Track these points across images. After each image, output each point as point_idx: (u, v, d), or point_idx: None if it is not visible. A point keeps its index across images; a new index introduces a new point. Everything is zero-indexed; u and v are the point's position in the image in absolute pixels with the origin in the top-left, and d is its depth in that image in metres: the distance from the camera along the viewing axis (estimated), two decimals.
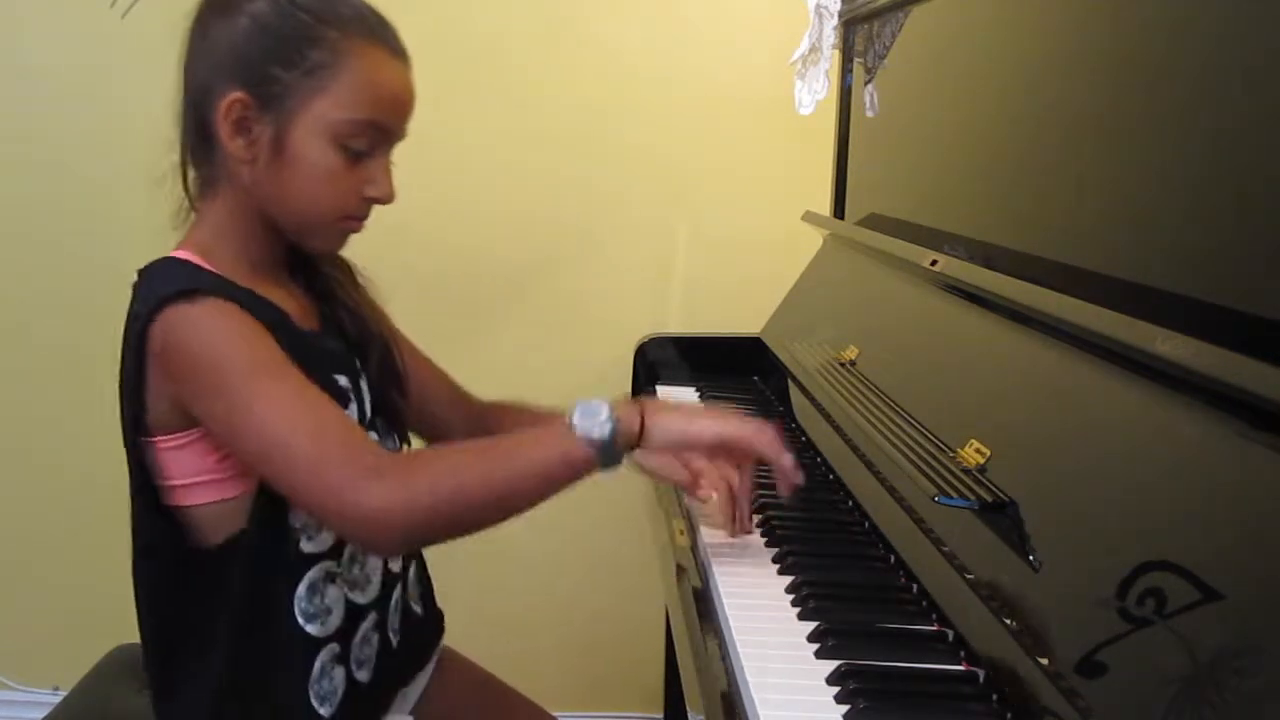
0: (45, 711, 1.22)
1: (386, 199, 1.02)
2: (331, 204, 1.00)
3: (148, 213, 2.05)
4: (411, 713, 1.15)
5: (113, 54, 1.95)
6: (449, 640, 1.25)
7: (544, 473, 0.92)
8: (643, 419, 0.95)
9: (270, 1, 0.97)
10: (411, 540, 0.98)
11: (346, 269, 1.14)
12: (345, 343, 1.08)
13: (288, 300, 1.03)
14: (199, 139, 1.01)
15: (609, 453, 0.92)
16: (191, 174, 1.04)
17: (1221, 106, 0.81)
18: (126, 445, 0.99)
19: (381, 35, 1.00)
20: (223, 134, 0.97)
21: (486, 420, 1.23)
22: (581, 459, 0.92)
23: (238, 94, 0.96)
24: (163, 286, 0.93)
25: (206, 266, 0.98)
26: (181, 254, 1.00)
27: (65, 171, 1.99)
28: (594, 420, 0.92)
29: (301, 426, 0.89)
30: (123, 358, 0.97)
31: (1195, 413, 0.74)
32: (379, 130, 1.00)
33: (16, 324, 2.03)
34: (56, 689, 2.06)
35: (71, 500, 2.06)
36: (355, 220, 1.03)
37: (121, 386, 0.97)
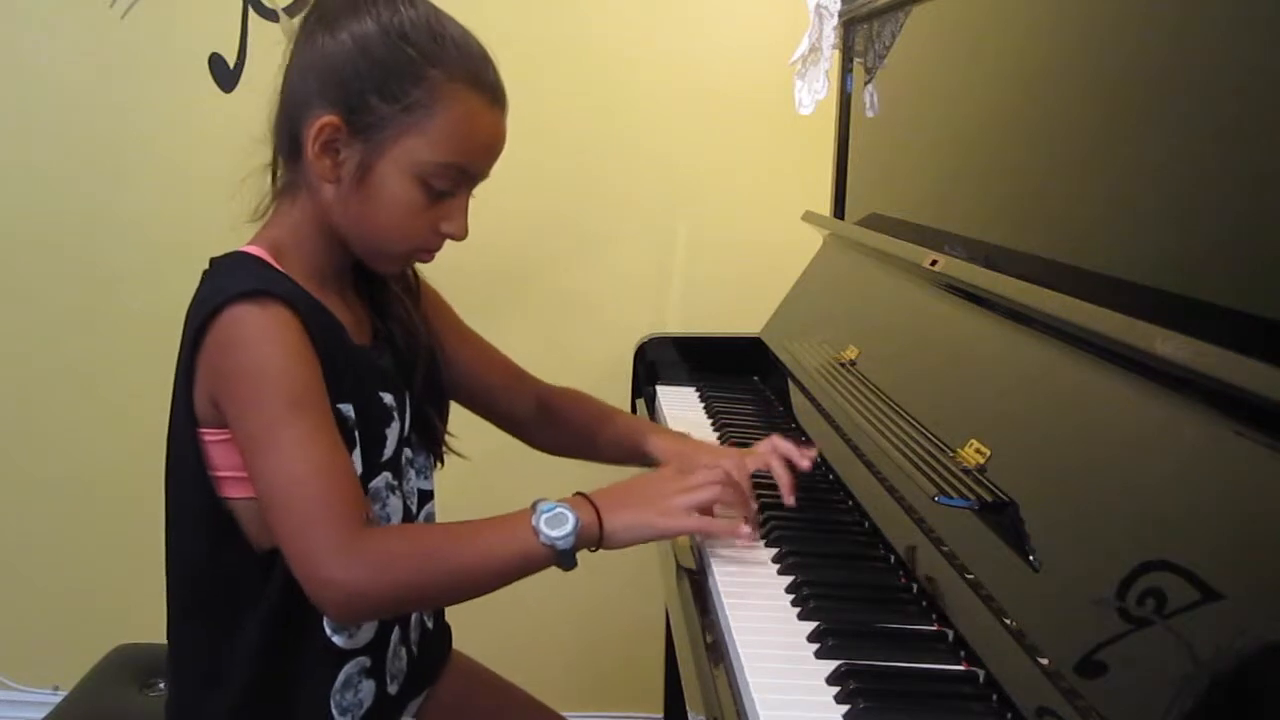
0: (45, 711, 1.22)
1: (460, 236, 1.02)
2: (406, 236, 1.01)
3: (150, 215, 2.06)
4: (417, 714, 1.15)
5: (112, 54, 1.95)
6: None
7: (503, 568, 0.94)
8: (601, 526, 0.96)
9: (379, 27, 0.96)
10: (365, 616, 0.99)
11: (407, 284, 1.14)
12: (396, 357, 1.08)
13: (345, 312, 1.03)
14: (288, 145, 1.01)
15: (568, 559, 0.95)
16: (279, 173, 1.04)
17: (1221, 106, 0.81)
18: (173, 434, 0.99)
19: (483, 80, 1.00)
20: (310, 151, 0.97)
21: (552, 404, 1.26)
22: (541, 560, 0.94)
23: (331, 117, 0.96)
24: (234, 283, 0.94)
25: (277, 266, 0.98)
26: (254, 250, 1.00)
27: (66, 174, 1.99)
28: (559, 530, 0.93)
29: (309, 480, 0.90)
30: (181, 345, 0.97)
31: (1195, 413, 0.74)
32: (464, 173, 1.00)
33: (16, 326, 2.03)
34: (56, 689, 2.06)
35: (72, 501, 2.07)
36: (427, 253, 1.04)
37: (177, 374, 0.97)
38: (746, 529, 1.02)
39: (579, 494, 0.98)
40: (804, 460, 1.12)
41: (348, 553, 0.89)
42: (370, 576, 0.90)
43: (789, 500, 1.09)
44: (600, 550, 0.98)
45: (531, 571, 0.95)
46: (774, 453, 1.12)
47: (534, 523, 0.93)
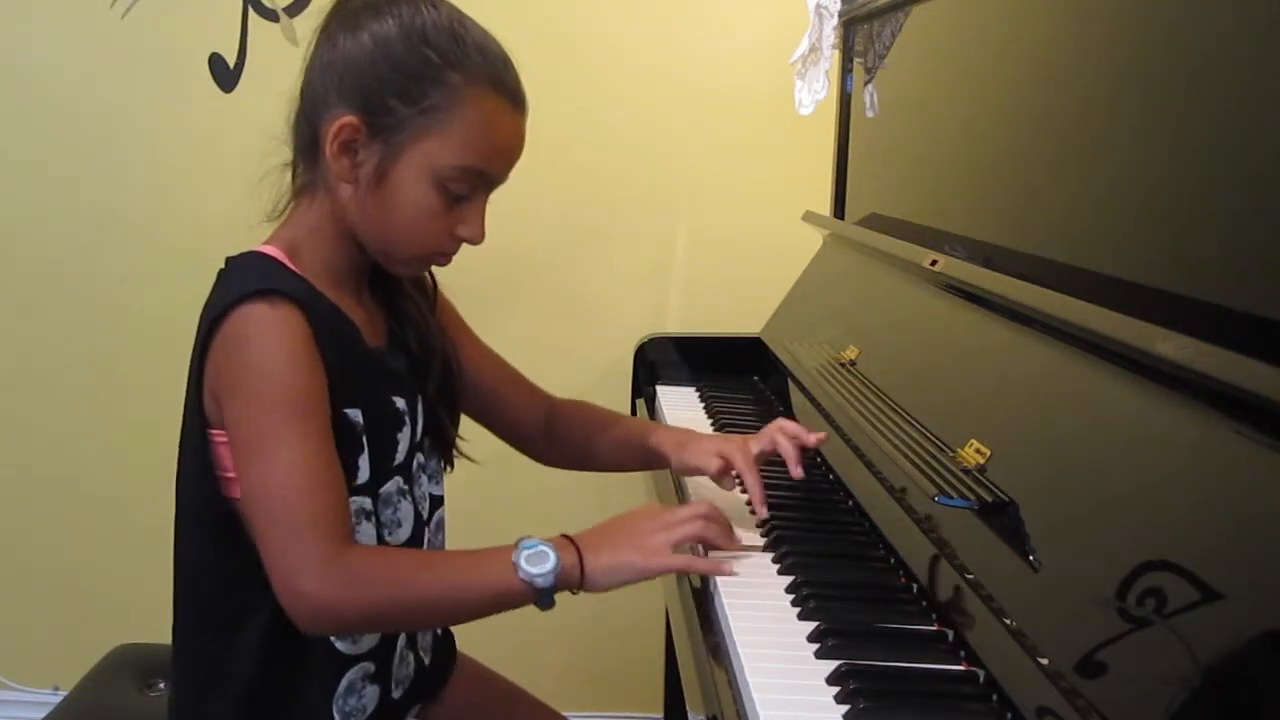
0: (45, 711, 1.22)
1: (476, 240, 1.02)
2: (422, 240, 1.01)
3: (150, 215, 2.05)
4: (419, 714, 1.15)
5: (112, 54, 1.95)
6: None
7: (481, 601, 0.94)
8: (582, 568, 0.94)
9: (400, 29, 0.96)
10: (333, 632, 0.99)
11: (423, 286, 1.14)
12: (409, 360, 1.08)
13: (361, 313, 1.03)
14: (307, 144, 1.01)
15: (546, 598, 0.94)
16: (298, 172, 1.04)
17: (1221, 106, 0.81)
18: (185, 434, 0.99)
19: (503, 83, 0.99)
20: (328, 151, 0.97)
21: (558, 416, 1.25)
22: (518, 596, 0.93)
23: (350, 118, 0.96)
24: (245, 282, 0.93)
25: (291, 267, 0.98)
26: (269, 250, 0.99)
27: (65, 174, 1.99)
28: (539, 568, 0.92)
29: (296, 490, 0.90)
30: (195, 344, 0.96)
31: (1195, 413, 0.74)
32: (482, 177, 1.00)
33: (16, 326, 2.03)
34: (56, 689, 2.06)
35: (73, 501, 2.07)
36: (443, 256, 1.04)
37: (190, 374, 0.97)
38: (729, 566, 0.99)
39: (564, 536, 0.96)
40: (811, 437, 1.12)
41: (325, 568, 0.88)
42: (343, 595, 0.89)
43: (795, 471, 1.09)
44: (583, 593, 0.96)
45: (508, 607, 0.94)
46: (780, 431, 1.12)
47: (514, 558, 0.92)
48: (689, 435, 1.19)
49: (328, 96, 0.97)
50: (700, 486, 1.21)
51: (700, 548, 1.02)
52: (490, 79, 0.98)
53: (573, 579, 0.94)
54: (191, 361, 0.96)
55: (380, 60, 0.96)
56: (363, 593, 0.90)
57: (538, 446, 1.26)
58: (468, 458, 1.17)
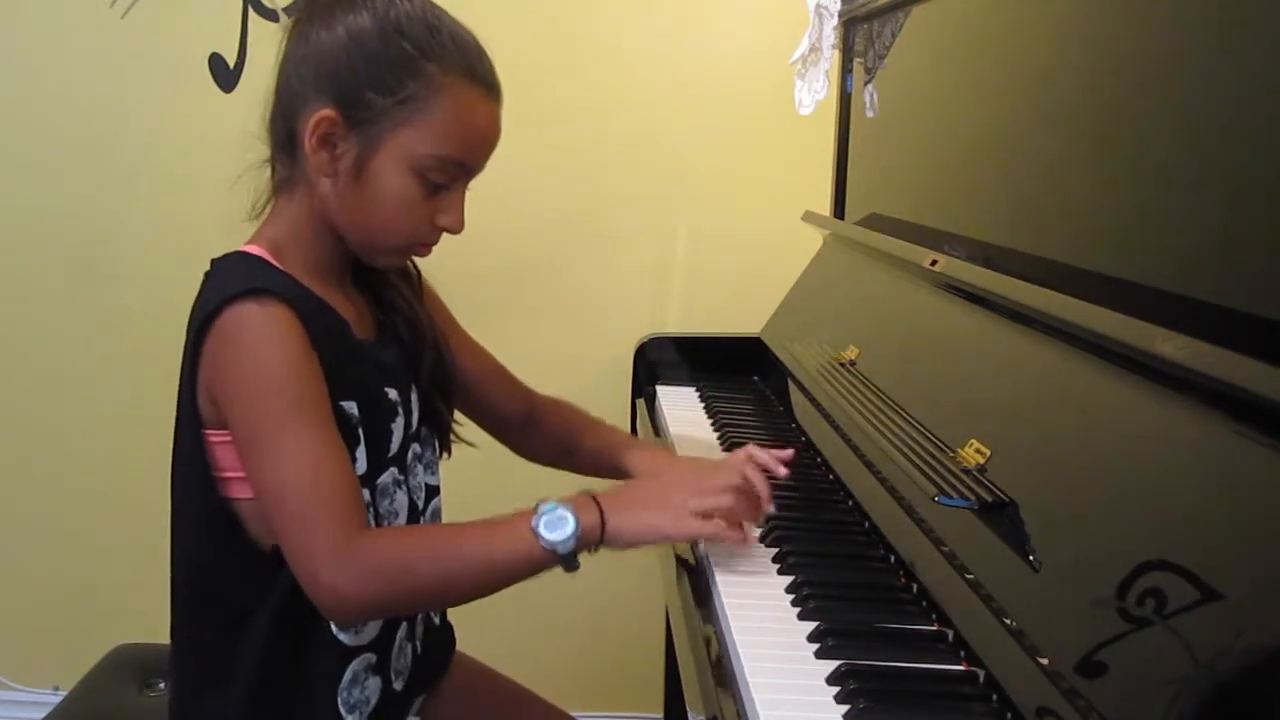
0: (45, 711, 1.22)
1: (456, 229, 1.02)
2: (402, 230, 1.01)
3: (150, 215, 2.05)
4: (421, 713, 1.15)
5: (112, 54, 1.95)
6: None
7: (504, 571, 0.94)
8: (603, 526, 0.94)
9: (375, 21, 0.97)
10: (362, 618, 0.99)
11: (408, 276, 1.15)
12: (400, 351, 1.08)
13: (348, 307, 1.04)
14: (284, 140, 1.01)
15: (570, 562, 0.94)
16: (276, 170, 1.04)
17: (1221, 106, 0.81)
18: (178, 435, 0.99)
19: (479, 73, 1.00)
20: (307, 145, 0.97)
21: (539, 413, 1.26)
22: (542, 563, 0.94)
23: (328, 111, 0.96)
24: (233, 283, 0.94)
25: (276, 265, 0.98)
26: (253, 249, 1.00)
27: (66, 174, 1.99)
28: (559, 532, 0.92)
29: (308, 483, 0.90)
30: (185, 346, 0.97)
31: (1195, 413, 0.74)
32: (461, 166, 1.00)
33: (16, 326, 2.03)
34: (56, 689, 2.06)
35: (72, 501, 2.07)
36: (423, 246, 1.04)
37: (181, 375, 0.97)
38: (755, 535, 1.01)
39: (586, 493, 0.96)
40: (780, 468, 1.09)
41: (344, 556, 0.89)
42: (365, 580, 0.90)
43: (767, 508, 1.06)
44: (603, 549, 0.96)
45: (534, 573, 0.95)
46: (748, 463, 1.07)
47: (534, 525, 0.93)
48: (663, 460, 1.18)
49: (304, 91, 0.98)
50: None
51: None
52: (465, 69, 0.99)
53: (593, 539, 0.94)
54: (183, 363, 0.97)
55: (356, 53, 0.96)
56: (382, 576, 0.91)
57: (514, 437, 1.26)
58: (467, 442, 1.18)
